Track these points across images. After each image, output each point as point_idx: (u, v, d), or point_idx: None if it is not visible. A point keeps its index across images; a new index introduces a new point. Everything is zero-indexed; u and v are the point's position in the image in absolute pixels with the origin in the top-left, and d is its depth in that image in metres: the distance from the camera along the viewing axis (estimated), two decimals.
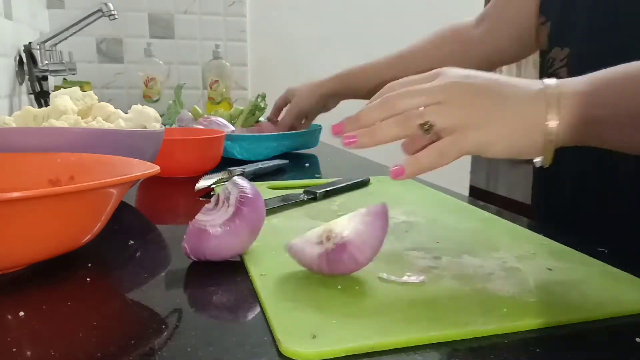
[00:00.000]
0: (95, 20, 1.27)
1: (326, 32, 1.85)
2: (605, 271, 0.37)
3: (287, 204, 0.55)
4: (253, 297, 0.33)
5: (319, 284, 0.35)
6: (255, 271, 0.37)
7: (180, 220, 0.53)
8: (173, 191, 0.67)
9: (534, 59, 2.72)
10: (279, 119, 1.00)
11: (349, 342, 0.27)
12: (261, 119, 1.06)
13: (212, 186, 0.62)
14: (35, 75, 1.23)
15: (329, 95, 0.93)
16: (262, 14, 1.79)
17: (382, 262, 0.37)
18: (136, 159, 0.46)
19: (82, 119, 0.56)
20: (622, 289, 0.34)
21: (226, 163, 0.78)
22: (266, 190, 0.63)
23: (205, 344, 0.27)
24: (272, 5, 1.80)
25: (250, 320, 0.30)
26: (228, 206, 0.38)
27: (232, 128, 0.94)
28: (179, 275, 0.38)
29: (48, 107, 0.57)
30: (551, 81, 0.39)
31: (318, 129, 1.02)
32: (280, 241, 0.43)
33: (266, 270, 0.37)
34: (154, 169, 0.41)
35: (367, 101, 0.43)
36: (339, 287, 0.34)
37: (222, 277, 0.37)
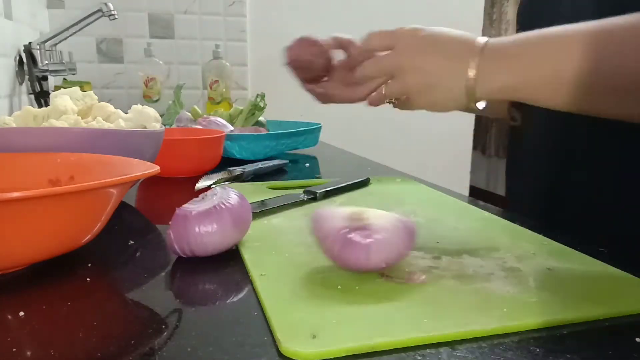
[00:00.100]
0: (95, 20, 1.27)
1: (326, 32, 1.85)
2: (605, 271, 0.37)
3: (287, 204, 0.55)
4: (253, 297, 0.33)
5: (319, 284, 0.35)
6: (255, 271, 0.37)
7: None
8: (173, 191, 0.67)
9: None
10: None
11: (349, 342, 0.27)
12: (261, 118, 1.06)
13: (212, 186, 0.62)
14: (35, 75, 1.23)
15: None
16: (262, 14, 1.79)
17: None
18: (136, 159, 0.46)
19: (82, 119, 0.56)
20: (622, 289, 0.34)
21: (226, 163, 0.78)
22: (266, 190, 0.63)
23: (205, 344, 0.27)
24: (272, 5, 1.80)
25: (250, 320, 0.30)
26: (214, 197, 0.41)
27: (231, 128, 0.94)
28: (179, 275, 0.38)
29: (48, 107, 0.57)
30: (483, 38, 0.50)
31: (317, 127, 1.02)
32: (280, 241, 0.43)
33: (266, 270, 0.37)
34: (154, 169, 0.41)
35: None
36: (339, 287, 0.34)
37: (222, 277, 0.37)
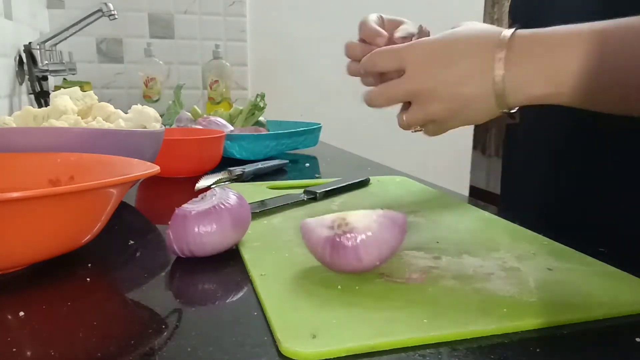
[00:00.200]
0: (95, 20, 1.27)
1: (326, 32, 1.85)
2: (605, 271, 0.37)
3: (287, 204, 0.55)
4: (253, 297, 0.33)
5: (319, 284, 0.35)
6: (255, 271, 0.37)
7: None
8: (173, 191, 0.67)
9: None
10: None
11: (349, 342, 0.27)
12: (261, 118, 1.06)
13: (212, 186, 0.62)
14: (35, 75, 1.23)
15: None
16: (262, 14, 1.79)
17: None
18: (136, 159, 0.46)
19: (82, 119, 0.56)
20: (622, 289, 0.34)
21: (226, 163, 0.78)
22: (266, 190, 0.63)
23: (205, 344, 0.27)
24: (272, 5, 1.80)
25: (250, 320, 0.30)
26: (213, 197, 0.40)
27: (231, 128, 0.94)
28: (179, 275, 0.38)
29: (48, 107, 0.57)
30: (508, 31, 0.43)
31: (318, 127, 1.02)
32: (280, 241, 0.43)
33: (266, 270, 0.37)
34: (154, 169, 0.41)
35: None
36: (339, 287, 0.34)
37: (222, 277, 0.37)
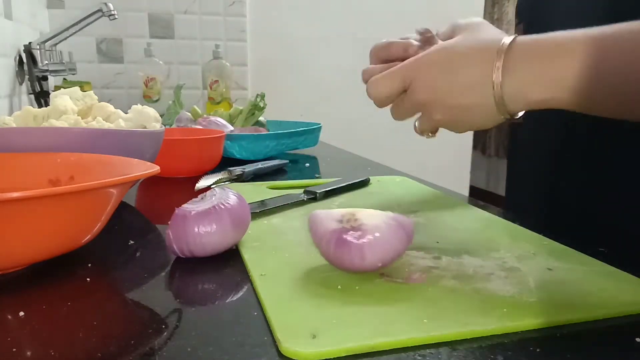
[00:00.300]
0: (95, 20, 1.27)
1: (326, 32, 1.85)
2: (605, 271, 0.37)
3: (287, 204, 0.55)
4: (253, 297, 0.33)
5: (319, 284, 0.35)
6: (255, 271, 0.37)
7: None
8: (173, 191, 0.67)
9: None
10: None
11: (349, 342, 0.27)
12: (261, 118, 1.06)
13: (212, 186, 0.62)
14: (35, 75, 1.23)
15: None
16: (262, 14, 1.79)
17: None
18: (136, 159, 0.46)
19: (82, 119, 0.56)
20: (622, 289, 0.34)
21: (226, 163, 0.78)
22: (266, 190, 0.63)
23: (205, 344, 0.27)
24: (272, 5, 1.80)
25: (250, 320, 0.30)
26: (213, 197, 0.41)
27: (231, 128, 0.94)
28: (179, 275, 0.38)
29: (48, 107, 0.57)
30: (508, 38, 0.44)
31: (318, 127, 1.02)
32: (280, 241, 0.43)
33: (266, 270, 0.37)
34: (154, 169, 0.41)
35: None
36: (339, 287, 0.34)
37: (222, 277, 0.37)
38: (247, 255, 0.40)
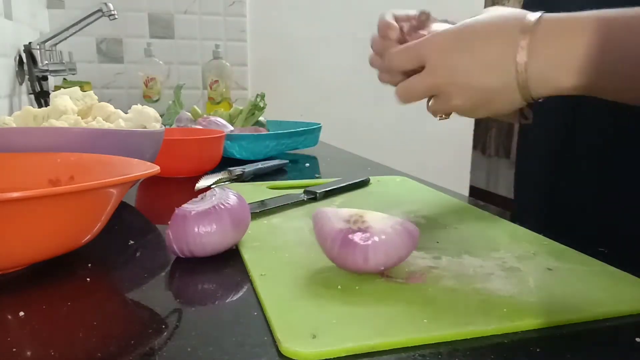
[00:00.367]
0: (95, 20, 1.27)
1: (326, 32, 1.85)
2: (605, 271, 0.37)
3: (287, 204, 0.55)
4: (253, 297, 0.33)
5: (319, 284, 0.35)
6: (255, 271, 0.37)
7: None
8: (173, 191, 0.67)
9: None
10: None
11: (349, 342, 0.27)
12: (261, 118, 1.06)
13: (212, 186, 0.62)
14: (35, 75, 1.23)
15: None
16: (262, 14, 1.79)
17: None
18: (136, 159, 0.46)
19: (82, 119, 0.56)
20: (622, 289, 0.34)
21: (226, 163, 0.78)
22: (266, 190, 0.63)
23: (205, 344, 0.27)
24: (272, 5, 1.80)
25: (250, 320, 0.30)
26: (213, 197, 0.41)
27: (231, 128, 0.94)
28: (179, 275, 0.38)
29: (48, 107, 0.57)
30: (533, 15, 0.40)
31: (318, 127, 1.02)
32: (280, 241, 0.43)
33: (266, 270, 0.37)
34: (154, 169, 0.41)
35: None
36: (339, 287, 0.34)
37: (222, 277, 0.37)
38: (247, 255, 0.40)
